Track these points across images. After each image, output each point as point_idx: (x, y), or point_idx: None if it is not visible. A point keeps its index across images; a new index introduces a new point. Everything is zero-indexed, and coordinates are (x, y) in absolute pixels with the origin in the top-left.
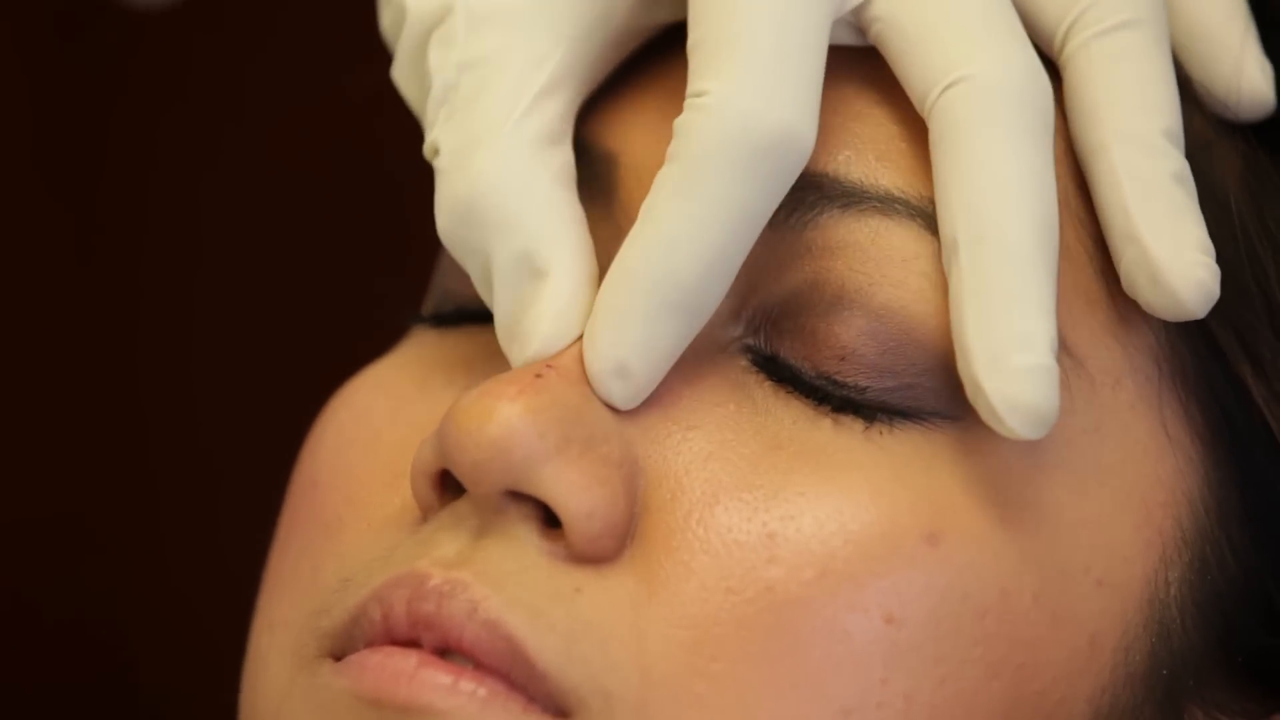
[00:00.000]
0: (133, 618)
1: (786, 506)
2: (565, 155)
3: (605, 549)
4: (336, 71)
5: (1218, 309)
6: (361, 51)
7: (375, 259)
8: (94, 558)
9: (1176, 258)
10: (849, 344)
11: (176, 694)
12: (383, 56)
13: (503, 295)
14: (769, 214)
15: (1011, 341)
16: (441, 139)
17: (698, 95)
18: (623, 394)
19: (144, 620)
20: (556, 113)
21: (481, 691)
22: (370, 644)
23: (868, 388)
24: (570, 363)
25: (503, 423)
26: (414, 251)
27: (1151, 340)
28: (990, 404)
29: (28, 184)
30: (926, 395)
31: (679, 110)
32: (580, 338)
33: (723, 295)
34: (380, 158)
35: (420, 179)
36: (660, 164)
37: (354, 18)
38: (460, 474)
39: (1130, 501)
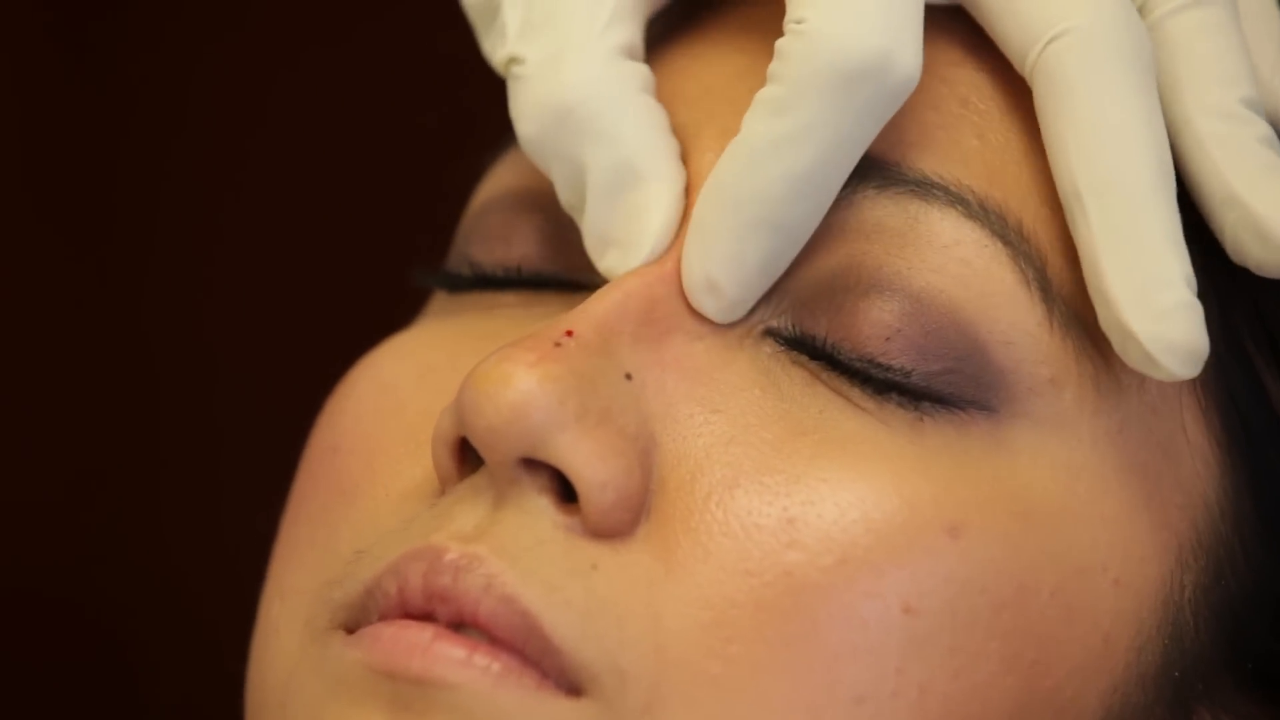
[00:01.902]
0: (135, 601)
1: (808, 492)
2: (646, 69)
3: (620, 522)
4: (349, 71)
5: (1240, 310)
6: (374, 53)
7: (384, 261)
8: (97, 541)
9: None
10: (892, 324)
11: (176, 676)
12: (398, 60)
13: (599, 203)
14: (866, 142)
15: (1155, 283)
16: (526, 52)
17: (798, 22)
18: (714, 308)
19: (146, 603)
20: (632, 26)
21: (495, 666)
22: (384, 617)
23: (912, 371)
24: (591, 332)
25: (520, 388)
26: (422, 257)
27: None
28: (1144, 348)
29: (43, 173)
30: (966, 383)
31: (719, 82)
32: (600, 299)
33: (817, 220)
34: (390, 158)
35: (429, 183)
36: (698, 134)
37: (361, 15)
38: (476, 439)
39: (1149, 503)
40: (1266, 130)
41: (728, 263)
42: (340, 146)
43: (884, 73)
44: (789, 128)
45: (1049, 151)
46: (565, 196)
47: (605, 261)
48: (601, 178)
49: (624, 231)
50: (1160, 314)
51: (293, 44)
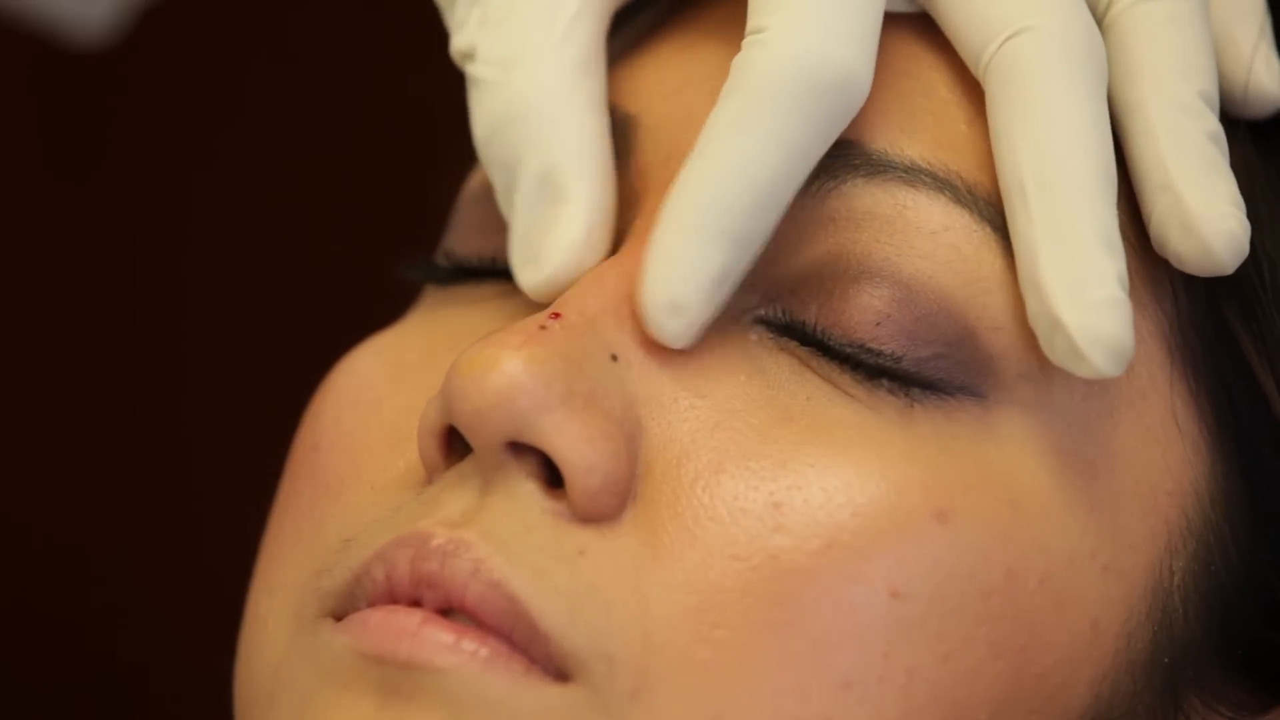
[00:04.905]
0: (125, 617)
1: (794, 477)
2: (599, 83)
3: (606, 506)
4: (337, 69)
5: (1231, 299)
6: (367, 50)
7: (368, 264)
8: (87, 556)
9: (1209, 208)
10: (883, 309)
11: (169, 691)
12: (383, 58)
13: (522, 212)
14: (821, 153)
15: (1089, 277)
16: (480, 46)
17: (758, 31)
18: (676, 330)
19: (136, 619)
20: (591, 35)
21: (483, 651)
22: (372, 603)
23: (903, 356)
24: (576, 315)
25: (506, 371)
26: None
27: (1165, 328)
28: (1072, 339)
29: (24, 178)
30: (955, 368)
31: (701, 73)
32: (586, 283)
33: (770, 232)
34: (374, 156)
35: (411, 183)
36: (679, 127)
37: (357, 18)
38: (462, 424)
39: (1139, 489)
40: (1216, 127)
41: (692, 281)
42: (333, 140)
43: (846, 88)
44: (751, 140)
45: (995, 144)
46: (501, 203)
47: (521, 275)
48: (527, 187)
49: (538, 245)
50: (1090, 307)
51: (286, 29)
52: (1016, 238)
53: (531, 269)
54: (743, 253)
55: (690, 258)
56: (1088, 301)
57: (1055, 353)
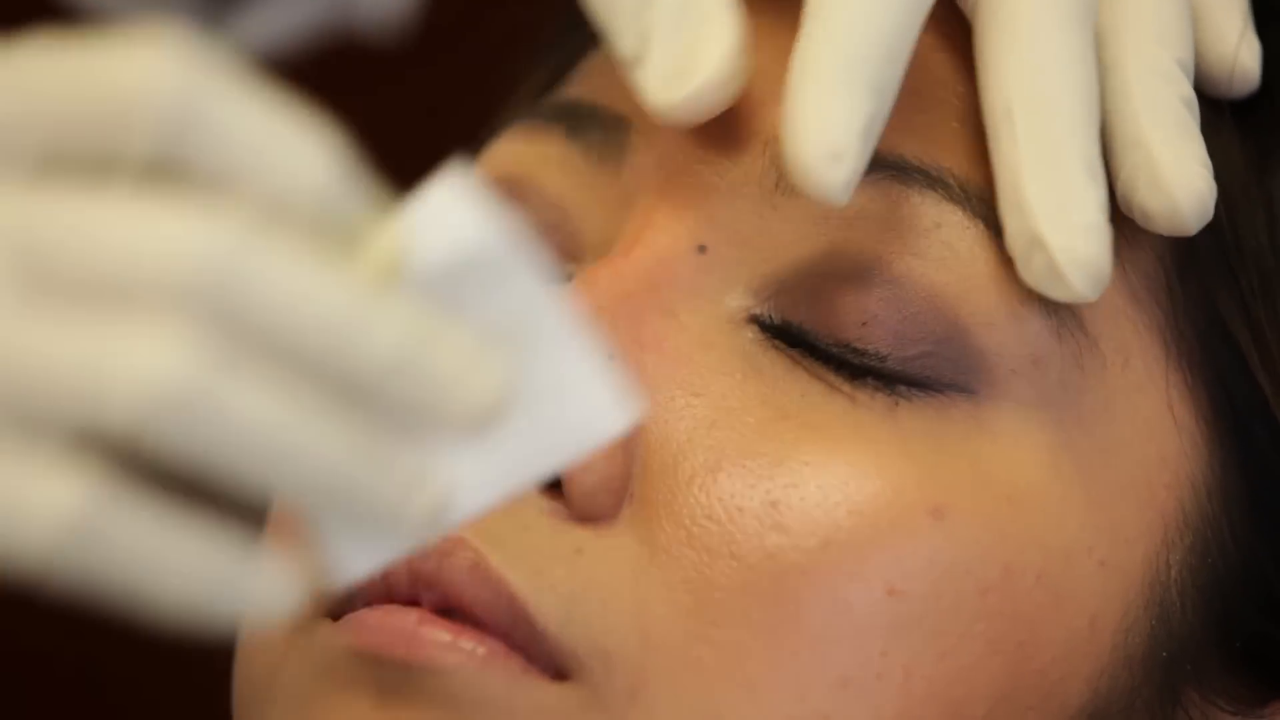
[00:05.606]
0: (119, 617)
1: (791, 475)
2: None
3: (603, 506)
4: (336, 68)
5: (1225, 293)
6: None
7: None
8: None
9: (1180, 166)
10: (869, 309)
11: (165, 695)
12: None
13: (661, 34)
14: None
15: (1072, 201)
16: None
17: None
18: (840, 178)
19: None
20: None
21: (481, 650)
22: (370, 603)
23: (888, 355)
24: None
25: None
26: None
27: (1160, 319)
28: (1053, 259)
29: None
30: (944, 365)
31: None
32: (580, 284)
33: (900, 82)
34: (373, 155)
35: (410, 183)
36: (671, 129)
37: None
38: None
39: (1135, 482)
40: (1190, 94)
41: (848, 127)
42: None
43: None
44: None
45: (982, 72)
46: (628, 44)
47: (664, 94)
48: (665, 12)
49: (684, 61)
50: (1073, 229)
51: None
52: (1000, 160)
53: (676, 85)
54: (882, 102)
55: (840, 107)
56: (1071, 224)
57: (1031, 273)
